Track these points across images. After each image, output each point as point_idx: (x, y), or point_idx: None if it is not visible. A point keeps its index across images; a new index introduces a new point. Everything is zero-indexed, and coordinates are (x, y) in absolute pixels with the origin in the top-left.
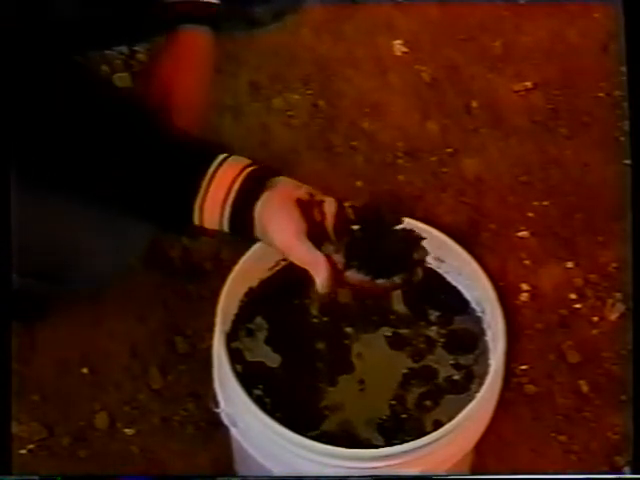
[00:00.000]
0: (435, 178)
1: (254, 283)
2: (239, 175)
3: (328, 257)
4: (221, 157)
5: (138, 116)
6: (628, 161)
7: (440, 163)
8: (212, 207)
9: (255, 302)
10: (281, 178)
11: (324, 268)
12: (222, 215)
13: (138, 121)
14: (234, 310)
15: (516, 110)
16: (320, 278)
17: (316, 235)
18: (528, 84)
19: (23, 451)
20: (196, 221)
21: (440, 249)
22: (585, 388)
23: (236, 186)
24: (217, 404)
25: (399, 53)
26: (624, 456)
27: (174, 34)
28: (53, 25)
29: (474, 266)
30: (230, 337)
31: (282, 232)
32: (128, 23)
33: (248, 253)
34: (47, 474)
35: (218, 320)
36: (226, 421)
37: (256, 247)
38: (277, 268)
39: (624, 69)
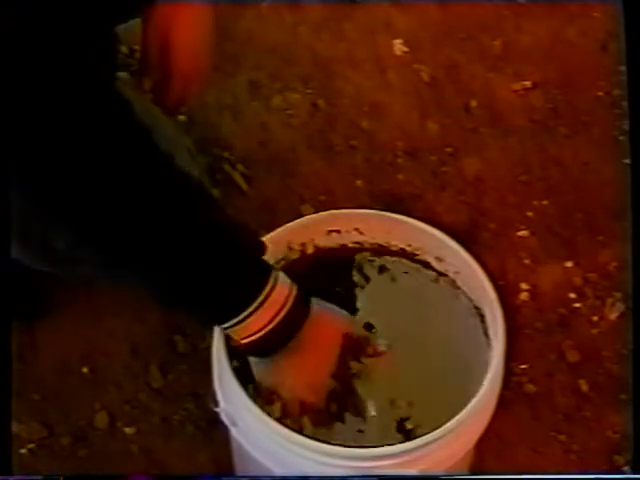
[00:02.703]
0: (435, 177)
1: None
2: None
3: None
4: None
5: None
6: (628, 160)
7: (440, 162)
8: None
9: None
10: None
11: None
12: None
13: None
14: None
15: (516, 109)
16: None
17: None
18: (528, 83)
19: (23, 451)
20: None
21: (440, 249)
22: (585, 387)
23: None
24: (217, 403)
25: (399, 52)
26: (624, 456)
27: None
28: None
29: (474, 265)
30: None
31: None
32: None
33: None
34: (47, 474)
35: None
36: (226, 420)
37: None
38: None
39: (624, 68)
